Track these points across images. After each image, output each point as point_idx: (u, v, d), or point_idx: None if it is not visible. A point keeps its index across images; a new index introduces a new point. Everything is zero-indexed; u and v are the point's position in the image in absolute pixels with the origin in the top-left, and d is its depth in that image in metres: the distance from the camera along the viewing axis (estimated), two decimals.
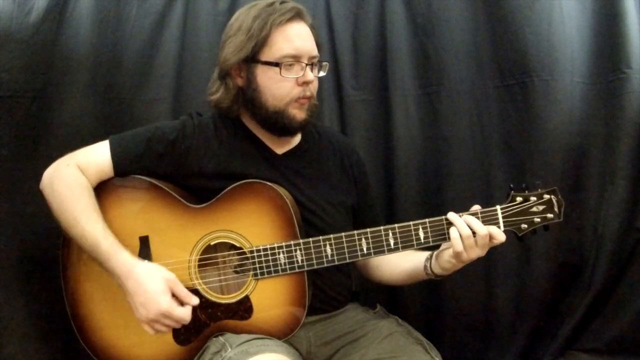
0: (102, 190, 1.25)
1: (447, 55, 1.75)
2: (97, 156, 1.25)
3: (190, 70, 1.75)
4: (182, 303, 1.17)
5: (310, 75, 1.27)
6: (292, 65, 1.25)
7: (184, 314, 1.16)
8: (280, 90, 1.26)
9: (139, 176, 1.27)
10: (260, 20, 1.24)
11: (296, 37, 1.25)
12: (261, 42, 1.24)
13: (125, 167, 1.26)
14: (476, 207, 1.21)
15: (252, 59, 1.26)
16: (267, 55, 1.25)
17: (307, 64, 1.26)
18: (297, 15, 1.27)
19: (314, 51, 1.29)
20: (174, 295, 1.16)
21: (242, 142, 1.32)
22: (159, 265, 1.19)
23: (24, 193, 1.54)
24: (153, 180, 1.26)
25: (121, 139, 1.28)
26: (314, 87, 1.30)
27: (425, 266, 1.27)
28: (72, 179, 1.22)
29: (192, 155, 1.28)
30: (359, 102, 1.82)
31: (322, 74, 1.33)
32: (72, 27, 1.62)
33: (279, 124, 1.28)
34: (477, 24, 1.73)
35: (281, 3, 1.27)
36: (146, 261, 1.20)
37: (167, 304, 1.13)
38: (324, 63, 1.33)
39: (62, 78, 1.61)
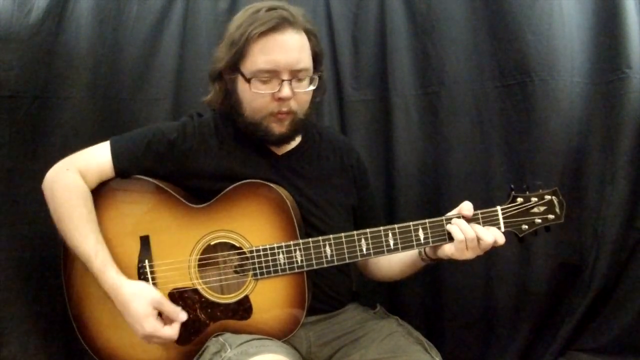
0: (102, 190, 1.26)
1: (447, 55, 1.74)
2: (98, 158, 1.25)
3: (190, 70, 1.75)
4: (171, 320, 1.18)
5: (286, 91, 1.18)
6: (267, 81, 1.19)
7: (171, 333, 1.17)
8: (255, 103, 1.22)
9: (140, 176, 1.27)
10: (241, 30, 1.20)
11: (275, 50, 1.17)
12: (240, 52, 1.20)
13: (126, 167, 1.26)
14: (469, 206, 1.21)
15: (234, 68, 1.24)
16: (244, 67, 1.21)
17: (285, 80, 1.18)
18: (282, 24, 1.18)
19: (299, 64, 1.19)
20: (160, 315, 1.17)
21: (242, 142, 1.32)
22: (146, 284, 1.19)
23: (24, 193, 1.54)
24: (154, 181, 1.26)
25: (122, 139, 1.28)
26: (295, 103, 1.22)
27: (419, 251, 1.27)
28: (71, 186, 1.22)
29: (192, 156, 1.28)
30: (359, 102, 1.82)
31: (311, 87, 1.24)
32: (72, 27, 1.62)
33: (256, 135, 1.26)
34: (477, 24, 1.72)
35: (267, 10, 1.20)
36: (134, 281, 1.20)
37: (150, 328, 1.15)
38: (314, 77, 1.24)
39: (62, 78, 1.61)
